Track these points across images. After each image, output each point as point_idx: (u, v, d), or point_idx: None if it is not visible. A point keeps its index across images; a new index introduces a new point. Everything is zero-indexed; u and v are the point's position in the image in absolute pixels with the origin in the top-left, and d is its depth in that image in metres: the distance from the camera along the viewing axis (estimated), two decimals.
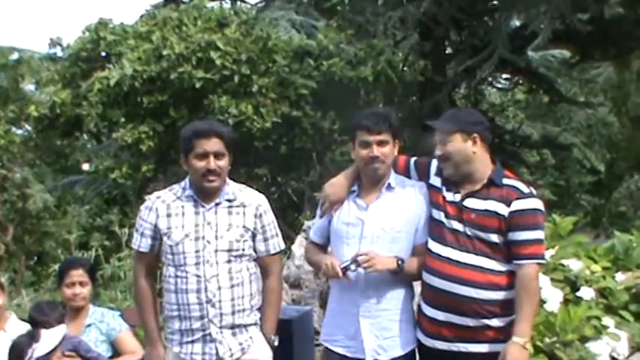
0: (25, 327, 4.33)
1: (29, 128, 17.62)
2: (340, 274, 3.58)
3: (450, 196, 3.62)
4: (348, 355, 3.73)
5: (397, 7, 11.50)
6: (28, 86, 22.30)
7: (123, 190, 12.41)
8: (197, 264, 3.62)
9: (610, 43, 13.25)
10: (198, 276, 3.61)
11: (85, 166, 16.45)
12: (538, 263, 3.51)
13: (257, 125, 10.21)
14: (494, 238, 3.50)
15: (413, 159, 3.87)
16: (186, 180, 3.75)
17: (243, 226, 3.69)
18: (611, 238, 6.10)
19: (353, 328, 3.70)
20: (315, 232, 3.94)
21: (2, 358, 4.07)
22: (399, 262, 3.61)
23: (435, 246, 3.62)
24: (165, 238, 3.68)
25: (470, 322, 3.52)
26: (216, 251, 3.63)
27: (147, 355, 3.91)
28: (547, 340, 4.48)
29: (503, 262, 3.51)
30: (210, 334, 3.65)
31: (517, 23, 13.06)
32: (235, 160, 3.81)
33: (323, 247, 3.93)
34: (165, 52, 10.35)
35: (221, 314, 3.63)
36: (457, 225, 3.56)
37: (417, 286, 3.80)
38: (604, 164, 20.38)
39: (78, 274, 4.45)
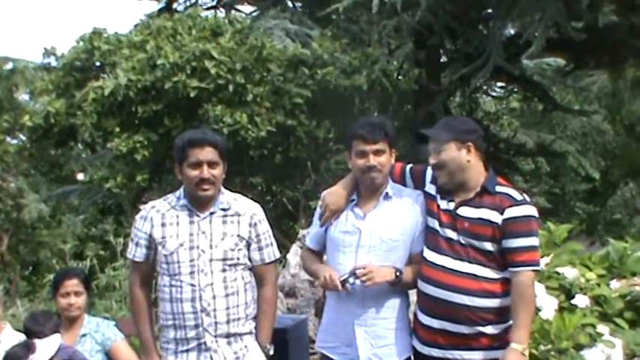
0: (20, 337, 4.31)
1: (23, 138, 17.62)
2: (340, 287, 3.58)
3: (444, 204, 3.62)
4: None
5: (392, 16, 11.46)
6: (23, 96, 22.27)
7: (118, 200, 12.35)
8: (192, 273, 3.62)
9: (604, 51, 13.24)
10: (192, 285, 3.61)
11: (80, 176, 16.38)
12: (533, 270, 3.52)
13: (252, 134, 10.18)
14: (488, 246, 3.50)
15: (409, 166, 3.87)
16: (181, 189, 3.75)
17: (238, 235, 3.69)
18: (605, 245, 6.11)
19: (348, 337, 3.70)
20: (312, 238, 3.93)
21: None
22: (397, 274, 3.61)
23: (430, 254, 3.62)
24: (159, 248, 3.67)
25: (464, 329, 3.52)
26: (210, 260, 3.62)
27: None
28: (542, 347, 4.48)
29: (497, 270, 3.51)
30: (205, 343, 3.64)
31: (511, 32, 13.05)
32: (230, 169, 3.81)
33: (319, 253, 3.93)
34: (159, 62, 10.32)
35: (216, 323, 3.63)
36: (451, 233, 3.56)
37: (413, 295, 3.80)
38: (599, 172, 20.36)
39: (73, 284, 4.45)
